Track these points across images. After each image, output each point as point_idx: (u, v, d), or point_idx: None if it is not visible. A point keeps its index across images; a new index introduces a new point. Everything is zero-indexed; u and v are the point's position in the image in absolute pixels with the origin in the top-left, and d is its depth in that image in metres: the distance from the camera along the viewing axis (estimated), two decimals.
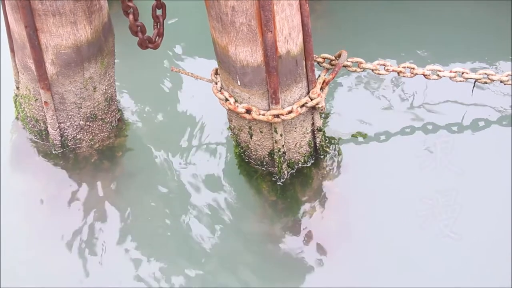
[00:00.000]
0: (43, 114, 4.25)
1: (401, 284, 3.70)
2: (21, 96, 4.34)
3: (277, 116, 3.83)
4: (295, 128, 4.00)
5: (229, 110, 3.97)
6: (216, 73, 4.02)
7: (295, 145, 4.08)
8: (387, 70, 4.15)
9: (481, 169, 4.17)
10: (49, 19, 3.85)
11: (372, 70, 4.14)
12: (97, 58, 4.14)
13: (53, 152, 4.35)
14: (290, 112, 3.84)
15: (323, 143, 4.20)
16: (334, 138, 4.31)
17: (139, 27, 3.80)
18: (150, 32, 3.91)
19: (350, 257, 3.85)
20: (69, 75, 4.08)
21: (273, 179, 4.12)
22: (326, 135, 4.26)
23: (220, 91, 3.96)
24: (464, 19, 5.18)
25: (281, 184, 4.11)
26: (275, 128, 3.92)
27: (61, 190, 4.26)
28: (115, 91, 4.44)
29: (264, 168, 4.14)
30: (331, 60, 4.07)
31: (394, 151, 4.31)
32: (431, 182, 4.11)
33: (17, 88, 4.39)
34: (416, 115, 4.50)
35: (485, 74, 4.26)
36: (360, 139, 4.36)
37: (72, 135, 4.31)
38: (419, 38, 5.06)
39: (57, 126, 4.24)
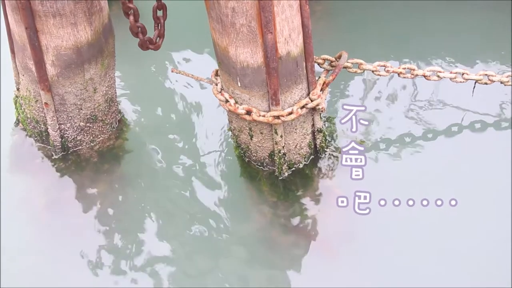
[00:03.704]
0: (43, 115, 4.25)
1: (401, 284, 3.70)
2: (22, 97, 4.34)
3: (277, 117, 3.83)
4: (296, 129, 4.01)
5: (229, 111, 3.97)
6: (217, 74, 4.03)
7: (296, 146, 4.08)
8: (387, 71, 4.15)
9: (481, 169, 4.17)
10: (50, 20, 3.86)
11: (372, 71, 4.14)
12: (98, 59, 4.15)
13: (54, 155, 4.34)
14: (290, 113, 3.84)
15: (323, 144, 4.20)
16: (334, 139, 4.31)
17: (139, 28, 3.81)
18: (151, 33, 3.92)
19: (351, 257, 3.85)
20: (70, 76, 4.08)
21: (273, 180, 4.13)
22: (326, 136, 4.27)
23: (220, 92, 3.97)
24: (464, 20, 5.18)
25: (281, 185, 4.11)
26: (276, 130, 3.92)
27: (62, 192, 4.26)
28: (115, 92, 4.45)
29: (265, 169, 4.14)
30: (331, 61, 4.07)
31: (395, 152, 4.31)
32: (431, 183, 4.11)
33: (18, 89, 4.40)
34: (416, 116, 4.50)
35: (485, 75, 4.26)
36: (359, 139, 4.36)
37: (73, 136, 4.31)
38: (419, 39, 5.06)
39: (57, 127, 4.24)
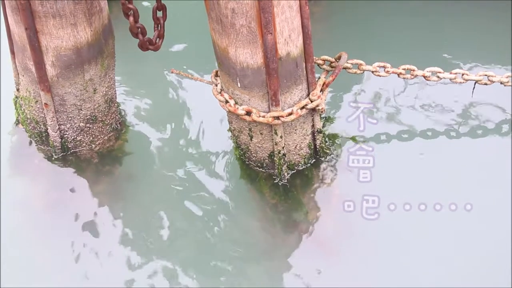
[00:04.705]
0: (43, 116, 4.25)
1: (401, 284, 3.70)
2: (21, 98, 4.35)
3: (277, 118, 3.83)
4: (295, 130, 4.01)
5: (229, 112, 3.98)
6: (216, 75, 4.03)
7: (295, 147, 4.08)
8: (387, 72, 4.15)
9: (480, 170, 4.17)
10: (49, 21, 3.86)
11: (372, 72, 4.14)
12: (97, 60, 4.15)
13: (54, 155, 4.34)
14: (290, 114, 3.84)
15: (323, 145, 4.20)
16: (334, 140, 4.31)
17: (139, 29, 3.81)
18: (151, 34, 3.92)
19: (351, 258, 3.85)
20: (69, 77, 4.09)
21: (273, 181, 4.13)
22: (326, 137, 4.26)
23: (220, 93, 3.97)
24: (464, 20, 5.19)
25: (281, 186, 4.11)
26: (275, 130, 3.92)
27: (62, 193, 4.26)
28: (115, 93, 4.45)
29: (264, 170, 4.15)
30: (331, 62, 4.07)
31: (395, 153, 4.31)
32: (431, 184, 4.11)
33: (17, 90, 4.40)
34: (417, 116, 4.51)
35: (485, 75, 4.26)
36: (360, 140, 4.36)
37: (72, 137, 4.31)
38: (418, 40, 5.07)
39: (57, 128, 4.24)
